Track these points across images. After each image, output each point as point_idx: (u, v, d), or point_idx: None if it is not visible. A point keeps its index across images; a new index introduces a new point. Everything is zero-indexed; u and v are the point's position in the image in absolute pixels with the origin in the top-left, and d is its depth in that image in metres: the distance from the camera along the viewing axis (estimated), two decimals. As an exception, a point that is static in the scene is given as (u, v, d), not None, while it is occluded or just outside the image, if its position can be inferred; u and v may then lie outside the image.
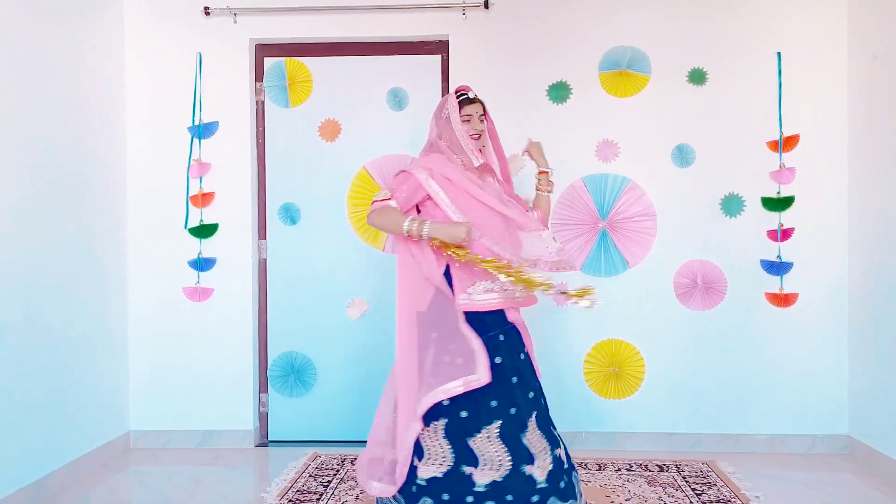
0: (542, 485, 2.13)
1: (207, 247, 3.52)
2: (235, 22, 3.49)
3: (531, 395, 2.23)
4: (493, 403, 2.16)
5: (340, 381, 3.58)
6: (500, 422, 2.15)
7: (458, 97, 2.36)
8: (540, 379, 2.34)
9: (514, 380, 2.20)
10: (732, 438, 3.37)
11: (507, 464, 2.12)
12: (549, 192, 2.53)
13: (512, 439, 2.14)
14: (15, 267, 2.71)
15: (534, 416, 2.21)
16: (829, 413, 3.34)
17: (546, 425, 2.24)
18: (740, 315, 3.38)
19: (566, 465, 2.22)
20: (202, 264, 3.51)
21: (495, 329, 2.23)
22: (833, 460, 3.24)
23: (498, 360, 2.19)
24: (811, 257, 3.34)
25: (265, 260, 3.62)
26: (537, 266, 2.24)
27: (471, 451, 2.13)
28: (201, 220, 3.51)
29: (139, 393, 3.53)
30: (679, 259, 3.40)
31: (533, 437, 2.18)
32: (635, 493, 2.81)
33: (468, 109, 2.33)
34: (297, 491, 2.86)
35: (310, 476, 3.04)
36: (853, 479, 3.01)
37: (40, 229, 2.86)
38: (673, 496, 2.78)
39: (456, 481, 2.12)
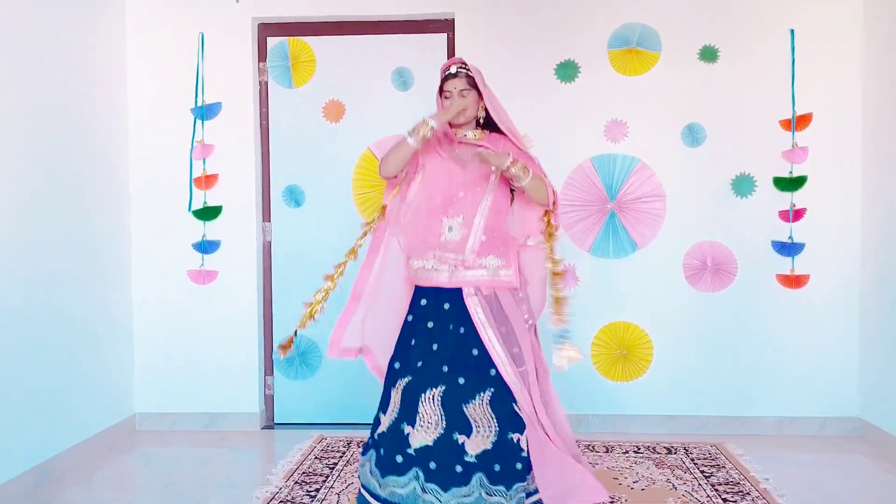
0: (471, 459, 2.12)
1: (211, 229, 3.49)
2: (238, 1, 3.44)
3: (493, 371, 2.19)
4: (445, 369, 2.18)
5: (345, 364, 3.53)
6: (445, 387, 2.16)
7: (443, 73, 2.35)
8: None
9: (434, 347, 2.23)
10: (740, 421, 3.34)
11: (441, 429, 2.13)
12: (523, 177, 2.23)
13: (453, 407, 2.15)
14: (18, 251, 2.69)
15: (489, 392, 2.17)
16: (839, 395, 3.31)
17: (505, 407, 2.17)
18: (750, 297, 3.33)
19: (520, 454, 2.15)
20: (206, 247, 3.48)
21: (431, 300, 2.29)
22: (843, 443, 3.21)
23: (430, 324, 2.24)
24: (823, 238, 3.29)
25: (269, 242, 3.59)
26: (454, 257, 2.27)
27: (415, 410, 2.16)
28: (205, 203, 3.48)
29: (145, 375, 3.52)
30: (689, 240, 3.36)
31: (478, 412, 2.15)
32: (643, 476, 2.79)
33: (448, 85, 2.32)
34: (303, 473, 2.85)
35: (315, 458, 3.03)
36: (864, 462, 2.98)
37: (43, 214, 2.83)
38: (682, 478, 2.76)
39: (394, 438, 2.18)
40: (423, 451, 2.13)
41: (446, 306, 2.26)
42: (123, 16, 3.46)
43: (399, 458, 2.15)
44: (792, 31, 3.26)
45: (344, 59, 3.53)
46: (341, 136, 3.55)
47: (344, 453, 3.10)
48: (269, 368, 3.60)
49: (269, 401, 3.61)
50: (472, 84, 2.31)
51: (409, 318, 2.33)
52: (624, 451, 3.09)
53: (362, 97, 3.53)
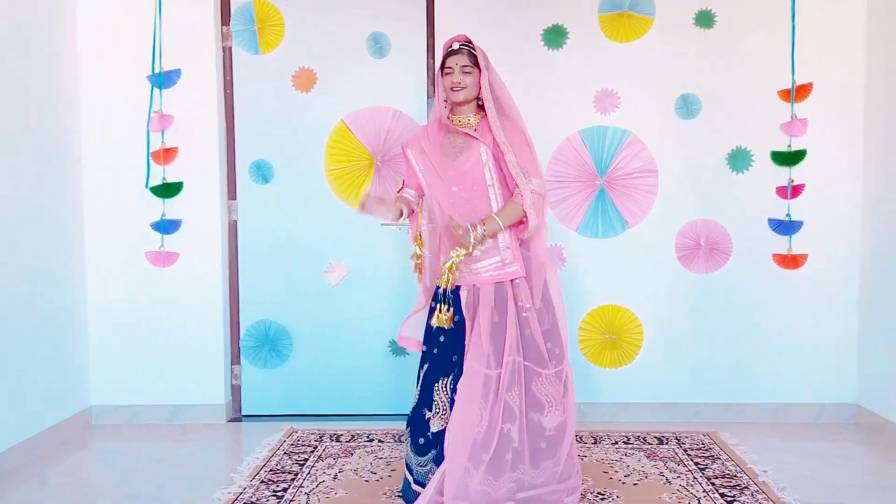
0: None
1: (171, 207, 3.23)
2: (197, -43, 3.16)
3: (454, 358, 2.25)
4: (454, 358, 2.24)
5: (318, 352, 3.34)
6: (452, 376, 2.23)
7: (445, 50, 2.28)
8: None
9: (441, 338, 2.27)
10: (735, 408, 3.19)
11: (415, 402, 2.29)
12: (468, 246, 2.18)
13: (427, 384, 2.28)
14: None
15: (451, 376, 2.24)
16: (836, 381, 3.17)
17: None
18: (745, 277, 3.17)
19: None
20: (166, 226, 3.22)
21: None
22: (840, 430, 3.08)
23: (456, 317, 2.25)
24: (822, 216, 3.13)
25: (235, 221, 3.34)
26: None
27: (431, 398, 2.25)
28: (164, 179, 3.21)
29: (101, 366, 3.27)
30: (681, 218, 3.18)
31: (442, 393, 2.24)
32: (635, 469, 2.62)
33: (449, 61, 2.26)
34: (271, 471, 2.64)
35: (285, 454, 2.82)
36: (863, 450, 2.85)
37: (-22, 185, 2.56)
38: (675, 471, 2.60)
39: (418, 421, 2.27)
40: (439, 434, 2.20)
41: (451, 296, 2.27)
42: (71, -27, 3.16)
43: (421, 440, 2.24)
44: (792, -3, 3.07)
45: (315, 24, 3.26)
46: (312, 106, 3.30)
47: (315, 448, 2.89)
48: (235, 357, 3.36)
49: (235, 391, 3.38)
50: (475, 62, 2.26)
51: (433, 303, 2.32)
52: (613, 441, 2.92)
53: (335, 65, 3.27)
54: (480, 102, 2.28)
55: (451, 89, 2.24)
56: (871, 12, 3.04)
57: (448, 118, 2.30)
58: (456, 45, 2.25)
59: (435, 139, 2.32)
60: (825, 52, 3.08)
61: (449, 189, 2.25)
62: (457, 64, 2.23)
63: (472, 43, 2.27)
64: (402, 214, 2.32)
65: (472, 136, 2.25)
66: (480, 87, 2.25)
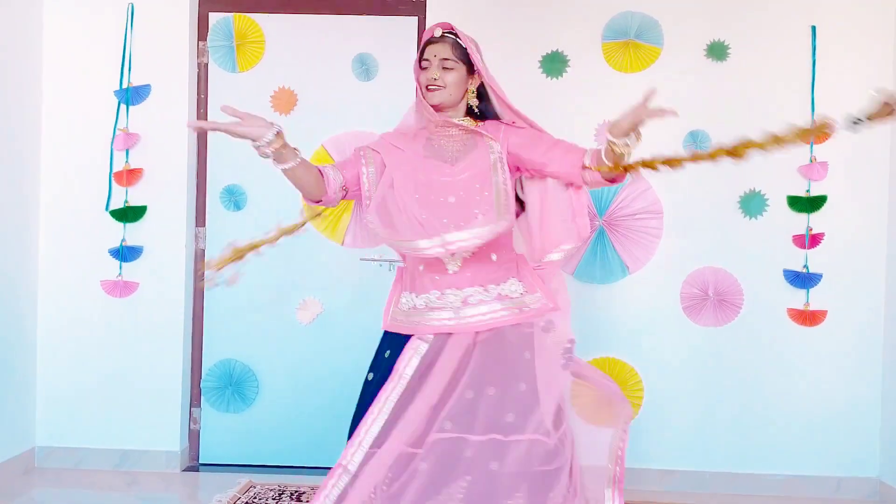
0: None
1: (133, 233, 2.98)
2: (175, -32, 2.96)
3: None
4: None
5: (286, 396, 3.05)
6: None
7: (425, 39, 1.81)
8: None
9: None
10: (744, 479, 2.87)
11: None
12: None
13: None
14: None
15: None
16: (857, 452, 2.85)
17: None
18: (758, 334, 2.88)
19: None
20: (126, 254, 2.96)
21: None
22: (862, 509, 2.76)
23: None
24: (843, 269, 2.84)
25: (203, 250, 3.09)
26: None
27: None
28: (126, 202, 2.97)
29: (48, 403, 2.99)
30: (688, 265, 2.90)
31: None
32: (630, 550, 2.31)
33: (427, 52, 1.77)
34: (217, 536, 2.34)
35: (236, 514, 2.52)
36: (888, 535, 2.53)
37: None
38: (676, 555, 2.28)
39: None
40: None
41: (387, 354, 1.77)
42: (40, -20, 2.96)
43: None
44: (813, 28, 2.83)
45: (297, 42, 3.05)
46: (292, 129, 2.97)
47: (272, 508, 2.59)
48: (195, 399, 3.08)
49: (193, 437, 3.08)
50: (462, 56, 1.76)
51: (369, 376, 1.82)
52: (607, 513, 2.60)
53: (318, 86, 3.05)
54: (473, 109, 1.80)
55: (427, 87, 1.74)
56: (898, 49, 2.81)
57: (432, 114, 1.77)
58: (438, 32, 1.77)
59: (412, 144, 1.81)
60: (849, 88, 2.83)
61: (444, 200, 1.72)
62: (435, 56, 1.74)
63: (456, 31, 1.78)
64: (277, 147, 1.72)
65: (477, 132, 1.76)
66: (467, 90, 1.77)
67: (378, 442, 1.61)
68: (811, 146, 2.85)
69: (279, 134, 1.68)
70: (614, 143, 1.66)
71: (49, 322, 2.98)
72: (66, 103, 2.98)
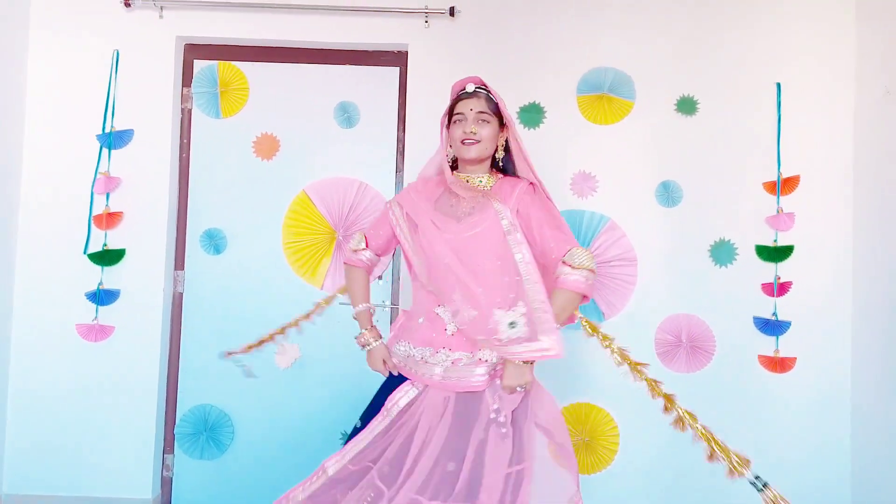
0: None
1: (110, 276, 2.96)
2: (161, 17, 3.01)
3: None
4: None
5: (263, 443, 3.02)
6: None
7: (455, 93, 1.86)
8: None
9: None
10: (719, 524, 2.89)
11: None
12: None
13: None
14: None
15: None
16: (828, 496, 2.89)
17: None
18: (729, 380, 2.93)
19: None
20: (102, 297, 2.94)
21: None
22: (834, 555, 2.79)
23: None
24: (811, 316, 2.92)
25: (181, 294, 3.07)
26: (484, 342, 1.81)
27: None
28: (105, 245, 2.96)
29: (16, 449, 2.93)
30: (661, 312, 2.96)
31: None
32: None
33: (461, 106, 1.82)
34: (187, 590, 2.28)
35: (208, 567, 2.47)
36: (860, 583, 2.55)
37: None
38: None
39: None
40: None
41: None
42: (27, 23, 2.99)
43: None
44: (778, 85, 2.96)
45: (281, 89, 3.10)
46: (274, 175, 3.10)
47: (246, 559, 2.54)
48: (169, 445, 3.03)
49: (166, 484, 3.02)
50: (495, 110, 1.83)
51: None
52: (584, 562, 2.59)
53: (300, 133, 3.09)
54: (498, 162, 1.87)
55: (463, 142, 1.79)
56: (858, 104, 2.94)
57: (455, 176, 1.83)
58: (471, 87, 1.81)
59: (429, 195, 1.87)
60: (812, 144, 2.95)
61: (448, 255, 1.77)
62: (471, 110, 1.79)
63: (487, 86, 1.84)
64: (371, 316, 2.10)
65: (487, 194, 1.79)
66: (497, 144, 1.83)
67: (355, 461, 1.77)
68: (777, 197, 2.95)
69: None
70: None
71: (21, 365, 2.93)
72: (48, 145, 2.98)
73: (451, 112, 1.85)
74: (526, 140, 2.95)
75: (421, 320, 1.87)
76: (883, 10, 2.81)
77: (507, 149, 1.91)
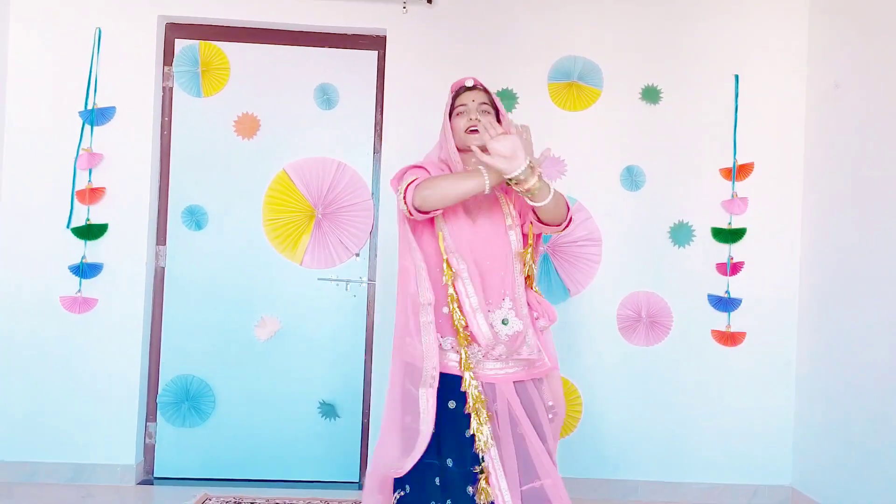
0: None
1: (94, 250, 3.04)
2: (143, -5, 3.06)
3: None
4: (437, 481, 1.74)
5: (242, 411, 3.14)
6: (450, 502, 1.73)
7: (454, 90, 1.91)
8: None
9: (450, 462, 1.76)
10: (671, 487, 3.11)
11: None
12: (542, 193, 1.69)
13: None
14: None
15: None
16: (772, 462, 3.12)
17: None
18: (684, 353, 3.14)
19: None
20: (86, 270, 3.02)
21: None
22: (775, 514, 3.03)
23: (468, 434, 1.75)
24: (761, 294, 3.13)
25: (163, 268, 3.16)
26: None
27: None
28: (88, 219, 3.03)
29: (1, 417, 3.00)
30: (624, 290, 3.14)
31: None
32: (566, 553, 2.49)
33: (464, 97, 1.86)
34: (174, 546, 2.42)
35: (193, 525, 2.60)
36: (797, 537, 2.79)
37: None
38: (607, 557, 2.48)
39: None
40: None
41: (451, 405, 1.76)
42: (7, 2, 3.01)
43: None
44: (736, 77, 3.14)
45: (262, 70, 3.18)
46: (254, 153, 3.19)
47: (228, 518, 2.68)
48: (151, 413, 3.14)
49: (149, 451, 3.14)
50: (493, 102, 1.90)
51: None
52: (546, 520, 2.79)
53: (280, 113, 3.18)
54: None
55: (467, 130, 1.81)
56: (809, 96, 3.13)
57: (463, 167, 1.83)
58: (470, 82, 1.88)
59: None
60: (766, 133, 3.15)
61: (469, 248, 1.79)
62: (473, 101, 1.84)
63: (485, 86, 1.93)
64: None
65: (496, 193, 1.82)
66: None
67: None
68: (733, 182, 3.14)
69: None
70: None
71: (5, 336, 3.01)
72: (30, 122, 3.03)
73: (452, 105, 1.89)
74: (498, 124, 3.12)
75: (445, 310, 1.80)
76: (833, 9, 3.00)
77: None
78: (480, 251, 1.80)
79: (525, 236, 1.89)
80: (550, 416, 1.83)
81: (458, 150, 1.87)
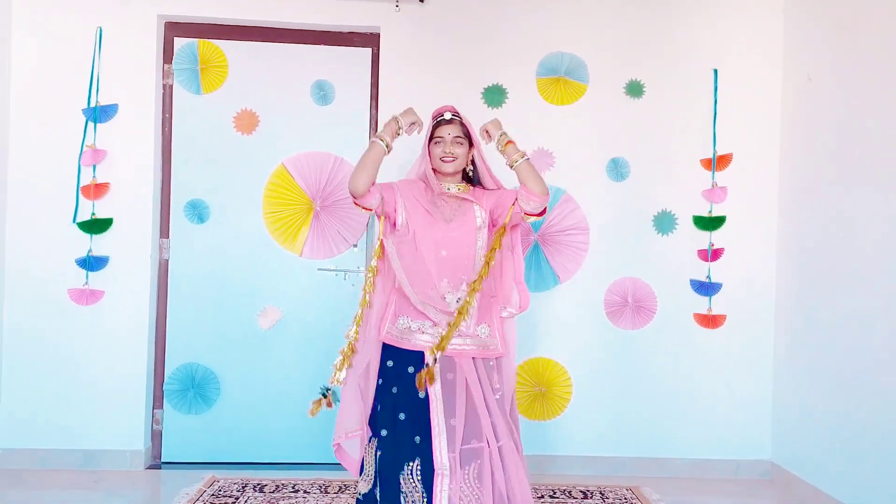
0: None
1: (99, 244, 3.14)
2: (143, -5, 3.15)
3: (418, 438, 2.10)
4: (417, 439, 2.09)
5: (246, 397, 3.26)
6: (420, 460, 2.07)
7: (434, 119, 2.27)
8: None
9: (402, 416, 2.12)
10: (657, 462, 3.27)
11: (371, 485, 2.12)
12: (519, 159, 2.21)
13: (429, 481, 2.05)
14: None
15: (417, 461, 2.10)
16: (752, 438, 3.30)
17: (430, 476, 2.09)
18: (669, 335, 3.29)
19: None
20: (92, 263, 3.12)
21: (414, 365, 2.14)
22: (756, 487, 3.20)
23: (395, 390, 2.15)
24: (739, 279, 3.29)
25: (167, 261, 3.27)
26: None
27: (395, 483, 2.07)
28: (93, 214, 3.13)
29: (11, 406, 3.11)
30: (610, 276, 3.29)
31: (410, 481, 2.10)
32: (558, 524, 2.65)
33: (440, 131, 2.24)
34: (187, 523, 2.54)
35: (203, 505, 2.73)
36: (774, 507, 2.96)
37: None
38: (597, 526, 2.64)
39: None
40: None
41: (410, 370, 2.13)
42: (9, 2, 3.09)
43: None
44: (715, 71, 3.29)
45: (260, 67, 3.28)
46: (253, 149, 3.29)
47: (237, 499, 2.81)
48: (158, 401, 3.25)
49: (156, 437, 3.25)
50: (466, 133, 2.25)
51: (380, 381, 2.21)
52: (539, 496, 2.94)
53: (278, 109, 3.29)
54: (467, 174, 2.29)
55: (442, 159, 2.21)
56: (785, 90, 3.28)
57: (439, 184, 2.25)
58: (448, 115, 2.24)
59: (423, 197, 2.25)
60: (744, 125, 3.30)
61: (438, 253, 2.19)
62: (449, 134, 2.21)
63: (459, 114, 2.27)
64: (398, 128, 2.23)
65: (468, 199, 2.24)
66: (470, 161, 2.27)
67: (449, 450, 2.07)
68: (713, 172, 3.29)
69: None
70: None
71: (14, 327, 3.10)
72: (35, 120, 3.12)
73: (431, 135, 2.25)
74: (488, 118, 3.23)
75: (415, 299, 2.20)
76: (807, 4, 3.15)
77: (472, 161, 2.31)
78: (450, 244, 2.20)
79: (491, 237, 2.24)
80: (497, 396, 2.18)
81: (434, 170, 2.25)
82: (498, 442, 2.12)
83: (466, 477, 2.06)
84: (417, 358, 2.13)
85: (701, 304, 3.29)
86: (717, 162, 3.28)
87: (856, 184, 2.75)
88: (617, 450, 3.27)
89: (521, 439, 2.24)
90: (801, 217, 3.14)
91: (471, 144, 2.27)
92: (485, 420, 2.10)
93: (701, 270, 3.29)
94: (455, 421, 2.07)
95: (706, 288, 3.28)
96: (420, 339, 2.16)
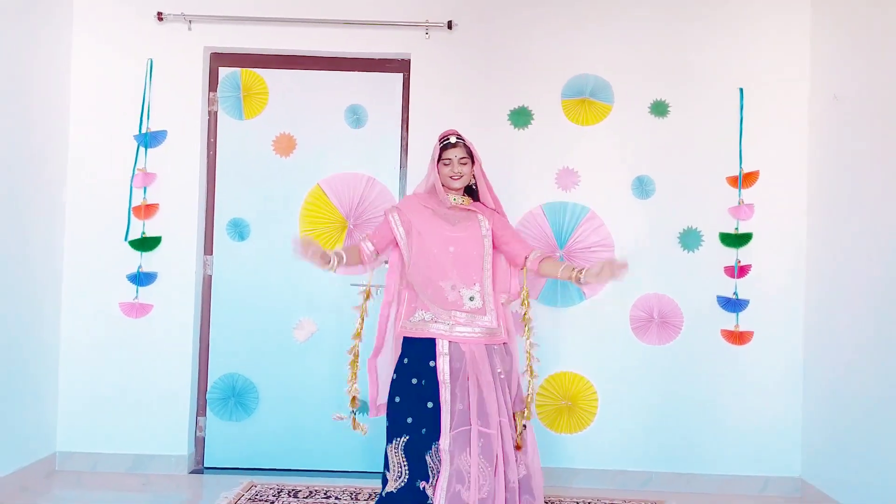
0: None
1: (148, 260, 3.35)
2: (190, 29, 3.37)
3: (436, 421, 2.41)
4: (409, 420, 2.43)
5: (283, 406, 3.42)
6: (408, 437, 2.40)
7: (441, 142, 2.57)
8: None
9: (430, 405, 2.41)
10: (684, 478, 3.29)
11: (405, 477, 2.39)
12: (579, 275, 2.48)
13: (415, 455, 2.38)
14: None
15: (405, 437, 2.43)
16: (781, 455, 3.28)
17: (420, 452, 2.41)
18: (695, 351, 3.32)
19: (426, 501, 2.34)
20: (142, 279, 3.34)
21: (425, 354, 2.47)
22: (784, 504, 3.19)
23: (414, 381, 2.44)
24: (767, 295, 3.30)
25: (210, 276, 3.47)
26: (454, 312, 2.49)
27: (385, 459, 2.46)
28: (143, 233, 3.35)
29: (69, 412, 3.33)
30: (636, 292, 3.34)
31: (435, 459, 2.38)
32: (581, 536, 2.71)
33: (448, 154, 2.55)
34: (225, 525, 2.70)
35: (241, 508, 2.88)
36: (803, 525, 2.95)
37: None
38: (619, 540, 2.68)
39: (410, 494, 2.40)
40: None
41: (431, 364, 2.43)
42: (70, 38, 3.36)
43: None
44: (741, 90, 3.32)
45: (297, 94, 3.47)
46: (291, 170, 3.47)
47: (272, 503, 2.95)
48: (201, 408, 3.44)
49: (199, 443, 3.44)
50: (470, 154, 2.57)
51: (397, 375, 2.52)
52: (564, 507, 3.01)
53: (314, 132, 3.46)
54: (472, 187, 2.65)
55: (451, 178, 2.56)
56: (811, 108, 3.29)
57: (446, 195, 2.58)
58: (453, 139, 2.56)
59: (429, 203, 2.58)
60: (771, 142, 3.31)
61: (446, 248, 2.49)
62: (455, 157, 2.55)
63: (463, 138, 2.59)
64: (329, 262, 2.48)
65: (473, 210, 2.59)
66: (473, 177, 2.61)
67: (453, 427, 2.38)
68: (739, 190, 3.32)
69: (328, 261, 2.51)
70: (579, 280, 2.47)
71: (71, 339, 3.34)
72: (91, 144, 3.36)
73: (439, 157, 2.57)
74: (515, 140, 3.37)
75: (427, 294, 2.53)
76: (833, 23, 3.16)
77: (476, 181, 2.65)
78: (457, 243, 2.52)
79: (496, 247, 2.61)
80: (502, 376, 2.49)
81: (443, 186, 2.58)
82: (500, 419, 2.41)
83: (478, 455, 2.34)
84: (431, 345, 2.44)
85: (728, 320, 3.31)
86: (744, 179, 3.30)
87: (886, 200, 2.75)
88: (643, 464, 3.30)
89: (535, 435, 2.61)
90: (828, 233, 3.13)
91: (472, 162, 2.58)
92: (491, 405, 2.37)
93: (727, 287, 3.31)
94: (461, 405, 2.37)
95: (733, 304, 3.30)
96: (434, 328, 2.46)
